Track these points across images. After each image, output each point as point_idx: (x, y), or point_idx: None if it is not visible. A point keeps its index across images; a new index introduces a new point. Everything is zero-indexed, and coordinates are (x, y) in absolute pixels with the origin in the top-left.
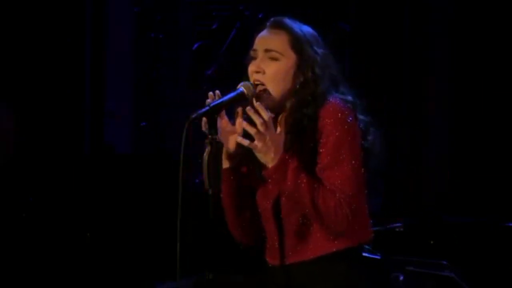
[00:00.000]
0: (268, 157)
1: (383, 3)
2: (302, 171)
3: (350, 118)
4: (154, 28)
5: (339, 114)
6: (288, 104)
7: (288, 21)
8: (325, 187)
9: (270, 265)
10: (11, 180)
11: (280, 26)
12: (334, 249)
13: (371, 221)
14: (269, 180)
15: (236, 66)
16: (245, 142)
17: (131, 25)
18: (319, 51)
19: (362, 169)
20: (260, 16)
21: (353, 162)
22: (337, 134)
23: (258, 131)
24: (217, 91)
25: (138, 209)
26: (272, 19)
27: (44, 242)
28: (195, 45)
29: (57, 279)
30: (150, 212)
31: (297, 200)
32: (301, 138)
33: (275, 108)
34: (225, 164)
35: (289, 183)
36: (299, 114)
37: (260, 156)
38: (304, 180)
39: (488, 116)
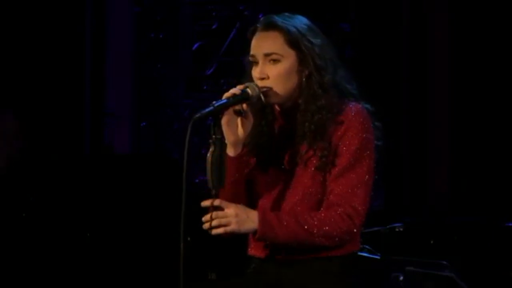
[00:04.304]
0: (249, 225)
1: (383, 3)
2: (281, 212)
3: (371, 128)
4: (154, 28)
5: (363, 120)
6: (300, 101)
7: (279, 19)
8: (310, 211)
9: (257, 259)
10: (12, 180)
11: (273, 27)
12: (329, 252)
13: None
14: (266, 241)
15: (236, 66)
16: (220, 230)
17: (131, 25)
18: (316, 41)
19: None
20: (260, 16)
21: (369, 168)
22: (363, 137)
23: (225, 215)
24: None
25: (138, 209)
26: (261, 20)
27: (44, 242)
28: (195, 45)
29: (57, 279)
30: (150, 212)
31: (298, 242)
32: (320, 134)
33: (285, 104)
34: (230, 152)
35: (279, 234)
36: (313, 107)
37: (242, 229)
38: (286, 218)
39: (489, 116)
